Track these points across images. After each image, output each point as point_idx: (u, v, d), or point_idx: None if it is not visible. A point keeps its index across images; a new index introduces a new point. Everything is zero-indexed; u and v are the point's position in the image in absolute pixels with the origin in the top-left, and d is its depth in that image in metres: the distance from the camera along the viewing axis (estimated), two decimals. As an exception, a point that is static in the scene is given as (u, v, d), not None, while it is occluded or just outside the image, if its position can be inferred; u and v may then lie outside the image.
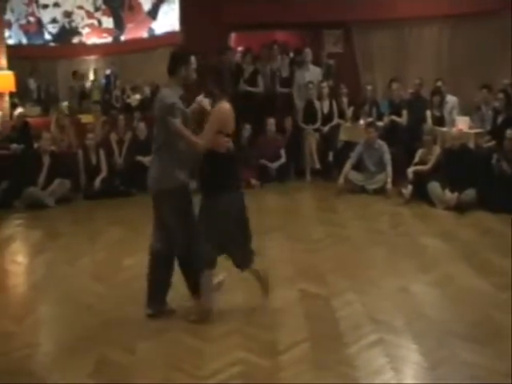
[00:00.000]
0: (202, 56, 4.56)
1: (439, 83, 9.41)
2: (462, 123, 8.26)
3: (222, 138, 4.06)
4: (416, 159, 7.94)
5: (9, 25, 13.42)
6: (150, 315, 4.33)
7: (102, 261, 5.79)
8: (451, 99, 9.19)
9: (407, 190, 7.68)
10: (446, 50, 10.53)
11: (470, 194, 7.21)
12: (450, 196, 7.23)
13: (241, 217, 4.22)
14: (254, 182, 8.88)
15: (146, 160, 7.89)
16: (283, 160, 9.19)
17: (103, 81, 13.62)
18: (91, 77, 13.69)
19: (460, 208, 7.12)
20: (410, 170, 7.80)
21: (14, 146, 8.69)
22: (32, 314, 4.59)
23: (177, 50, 4.36)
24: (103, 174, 8.62)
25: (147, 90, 11.52)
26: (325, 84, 9.69)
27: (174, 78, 4.19)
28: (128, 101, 12.25)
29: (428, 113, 8.84)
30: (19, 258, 6.17)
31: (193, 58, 4.20)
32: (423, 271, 5.20)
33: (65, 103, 11.09)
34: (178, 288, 4.45)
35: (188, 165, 4.27)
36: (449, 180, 7.30)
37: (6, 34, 11.69)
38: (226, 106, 4.12)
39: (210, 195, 4.12)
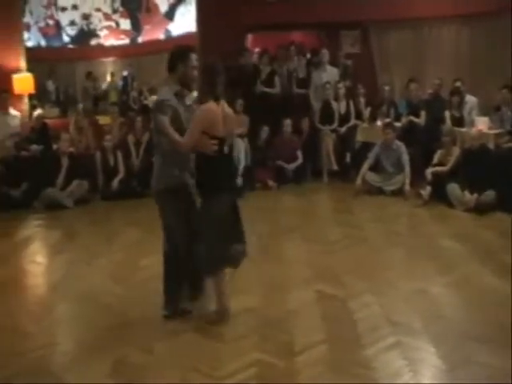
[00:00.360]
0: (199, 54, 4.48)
1: (458, 83, 9.31)
2: (482, 123, 8.16)
3: (207, 140, 3.93)
4: (435, 160, 7.85)
5: (28, 27, 13.60)
6: (166, 316, 4.33)
7: (119, 261, 5.83)
8: (470, 99, 9.09)
9: (425, 191, 7.62)
10: (465, 50, 10.42)
11: (489, 195, 7.13)
12: (469, 197, 7.15)
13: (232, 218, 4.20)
14: (270, 183, 8.88)
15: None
16: (300, 161, 9.17)
17: (120, 82, 13.73)
18: (108, 78, 13.81)
19: (479, 209, 7.05)
20: (429, 171, 7.73)
21: (34, 147, 8.79)
22: (50, 314, 4.63)
23: (176, 47, 4.23)
24: (121, 175, 8.66)
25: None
26: (342, 84, 9.66)
27: (173, 76, 4.11)
28: (145, 102, 12.33)
29: (447, 113, 8.75)
30: (38, 258, 6.23)
31: (193, 56, 4.09)
32: (441, 273, 5.15)
33: (80, 105, 11.18)
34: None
35: (187, 163, 4.19)
36: (468, 181, 7.22)
37: (25, 36, 11.80)
38: (213, 106, 3.99)
39: (207, 197, 4.09)
